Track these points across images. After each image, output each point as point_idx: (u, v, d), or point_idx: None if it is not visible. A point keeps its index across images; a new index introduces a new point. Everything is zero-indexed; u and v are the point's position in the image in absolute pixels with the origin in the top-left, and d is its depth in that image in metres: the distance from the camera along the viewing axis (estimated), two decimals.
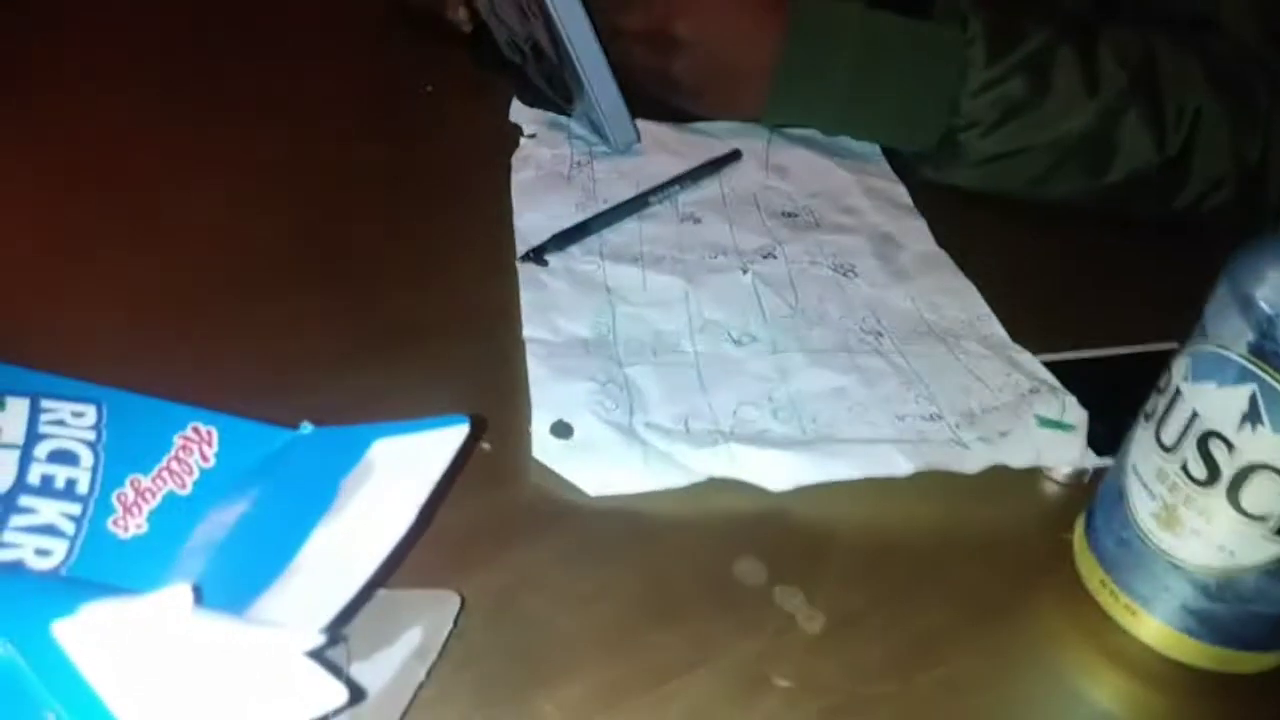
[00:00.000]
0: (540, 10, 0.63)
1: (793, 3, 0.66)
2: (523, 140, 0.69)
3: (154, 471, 0.36)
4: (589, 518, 0.43)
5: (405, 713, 0.33)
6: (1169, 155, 0.64)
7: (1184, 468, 0.37)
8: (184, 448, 0.37)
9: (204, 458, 0.38)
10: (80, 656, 0.25)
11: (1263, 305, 0.34)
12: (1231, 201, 0.65)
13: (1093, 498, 0.43)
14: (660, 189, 0.64)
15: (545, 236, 0.58)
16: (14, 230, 0.57)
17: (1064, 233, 0.65)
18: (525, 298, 0.54)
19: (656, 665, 0.37)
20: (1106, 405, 0.47)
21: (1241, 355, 0.34)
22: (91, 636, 0.25)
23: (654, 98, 0.70)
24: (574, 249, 0.58)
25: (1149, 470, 0.38)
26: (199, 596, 0.26)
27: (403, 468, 0.35)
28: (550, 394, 0.47)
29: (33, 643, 0.25)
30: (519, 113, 0.72)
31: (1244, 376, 0.34)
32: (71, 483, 0.35)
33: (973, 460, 0.46)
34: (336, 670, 0.27)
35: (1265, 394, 0.34)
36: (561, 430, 0.45)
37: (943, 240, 0.63)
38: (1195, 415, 0.36)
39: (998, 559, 0.43)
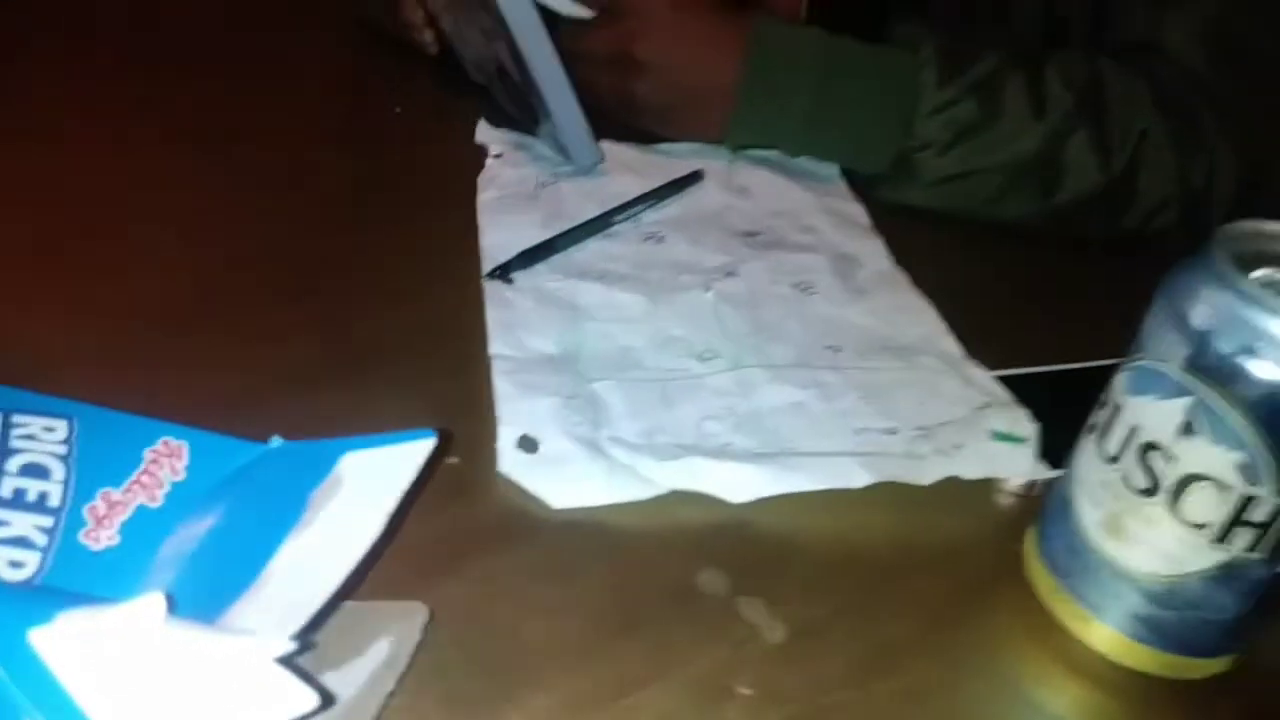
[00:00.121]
0: (503, 33, 0.64)
1: (753, 27, 0.68)
2: (489, 160, 0.70)
3: (125, 485, 0.37)
4: (554, 530, 0.43)
5: None
6: (1115, 175, 0.66)
7: (1126, 478, 0.38)
8: (155, 461, 0.38)
9: (174, 471, 0.38)
10: (57, 664, 0.25)
11: (1196, 323, 0.35)
12: (1176, 223, 0.67)
13: (1043, 508, 0.44)
14: (624, 208, 0.65)
15: (511, 255, 0.59)
16: None
17: (1017, 252, 0.67)
18: (491, 315, 0.55)
19: (621, 675, 0.38)
20: (1057, 419, 0.48)
21: (1177, 370, 0.36)
22: (68, 644, 0.25)
23: (617, 120, 0.71)
24: (540, 267, 0.59)
25: (1094, 481, 0.39)
26: (172, 606, 0.27)
27: (371, 480, 0.36)
28: (516, 409, 0.48)
29: (10, 651, 0.25)
30: (485, 133, 0.73)
31: (1180, 390, 0.36)
32: (43, 496, 0.35)
33: (928, 472, 0.47)
34: (307, 677, 0.28)
35: (1200, 407, 0.35)
36: (527, 444, 0.46)
37: (900, 259, 0.64)
38: (1136, 428, 0.37)
39: (953, 569, 0.44)
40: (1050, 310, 0.62)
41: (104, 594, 0.32)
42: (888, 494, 0.46)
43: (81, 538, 0.35)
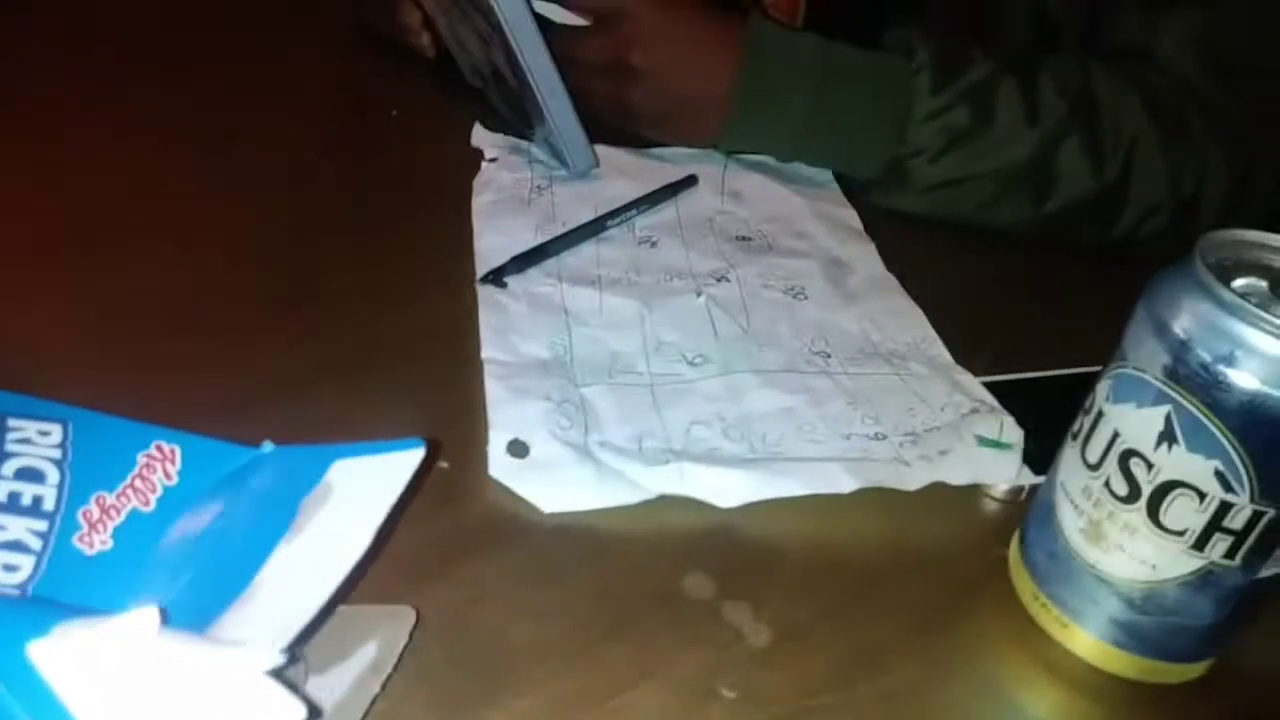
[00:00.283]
0: (499, 38, 0.64)
1: (748, 32, 0.68)
2: (484, 164, 0.70)
3: (119, 489, 0.37)
4: (543, 534, 0.44)
5: None
6: (1107, 182, 0.66)
7: (1107, 485, 0.38)
8: (148, 466, 0.38)
9: (167, 475, 0.38)
10: (54, 676, 0.25)
11: (1177, 331, 0.35)
12: (1166, 230, 0.67)
13: (1027, 514, 0.44)
14: (618, 213, 0.65)
15: (504, 259, 0.59)
16: None
17: (1008, 258, 0.67)
18: (484, 319, 0.55)
19: (607, 678, 0.38)
20: (1043, 425, 0.48)
21: (1158, 378, 0.36)
22: (65, 657, 0.26)
23: (613, 126, 0.71)
24: (533, 271, 0.59)
25: (1076, 487, 0.40)
26: (164, 615, 0.27)
27: (361, 489, 0.36)
28: (507, 413, 0.48)
29: (8, 663, 0.25)
30: (481, 137, 0.73)
31: (1160, 399, 0.36)
32: (38, 499, 0.36)
33: (914, 478, 0.47)
34: (293, 686, 0.28)
35: (1180, 415, 0.35)
36: (518, 449, 0.46)
37: (891, 264, 0.64)
38: (1117, 435, 0.38)
39: (938, 574, 0.44)
40: (1041, 316, 0.63)
41: (97, 599, 0.32)
42: (874, 499, 0.47)
43: (75, 542, 0.36)
